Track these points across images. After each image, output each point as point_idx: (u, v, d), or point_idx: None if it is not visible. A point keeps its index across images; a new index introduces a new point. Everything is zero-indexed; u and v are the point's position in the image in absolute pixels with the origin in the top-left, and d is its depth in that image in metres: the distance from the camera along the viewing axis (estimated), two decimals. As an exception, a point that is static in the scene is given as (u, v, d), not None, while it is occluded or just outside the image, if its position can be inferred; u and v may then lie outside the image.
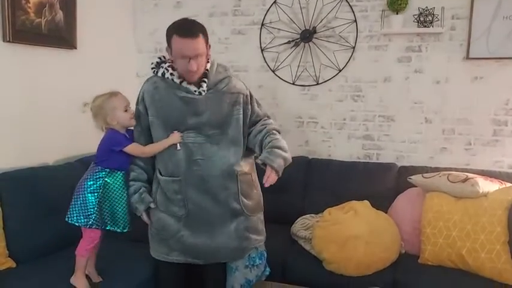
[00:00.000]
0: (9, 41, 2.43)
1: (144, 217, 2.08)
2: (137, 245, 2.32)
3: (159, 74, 1.99)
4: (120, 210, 2.11)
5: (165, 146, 2.00)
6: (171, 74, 1.96)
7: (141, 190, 2.06)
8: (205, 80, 1.96)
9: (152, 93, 2.00)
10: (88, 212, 2.03)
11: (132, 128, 2.11)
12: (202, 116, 1.97)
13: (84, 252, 2.07)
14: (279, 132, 2.07)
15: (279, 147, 1.94)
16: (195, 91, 1.95)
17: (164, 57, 2.03)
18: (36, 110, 2.65)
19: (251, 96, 2.11)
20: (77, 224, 2.05)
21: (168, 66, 1.98)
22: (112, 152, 2.06)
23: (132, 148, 2.06)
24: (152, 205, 2.05)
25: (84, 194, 2.05)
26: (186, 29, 1.85)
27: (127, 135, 2.10)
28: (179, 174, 1.99)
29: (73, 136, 2.90)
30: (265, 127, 2.06)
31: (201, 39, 1.85)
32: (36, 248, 2.32)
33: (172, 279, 2.20)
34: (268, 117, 2.16)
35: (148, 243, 2.16)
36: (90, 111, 2.08)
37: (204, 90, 1.95)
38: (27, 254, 2.28)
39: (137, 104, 2.07)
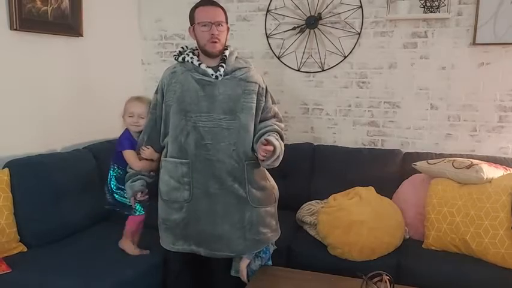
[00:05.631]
0: (15, 29, 2.44)
1: (132, 201, 2.19)
2: (149, 231, 2.33)
3: (180, 59, 2.07)
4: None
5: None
6: (191, 57, 2.04)
7: (135, 178, 2.16)
8: (223, 65, 2.01)
9: (170, 77, 2.07)
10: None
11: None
12: (216, 100, 2.00)
13: (132, 224, 2.31)
14: (282, 139, 2.13)
15: (282, 143, 2.07)
16: (212, 75, 2.00)
17: (187, 46, 2.12)
18: (43, 98, 2.67)
19: (267, 90, 2.14)
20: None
21: (189, 52, 2.07)
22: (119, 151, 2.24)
23: (128, 154, 2.20)
24: (139, 195, 2.15)
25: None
26: (208, 1, 2.04)
27: (136, 140, 2.23)
28: (188, 157, 2.01)
29: (80, 123, 2.93)
30: (273, 127, 2.11)
31: (221, 12, 2.02)
32: (46, 233, 2.37)
33: (179, 268, 2.22)
34: (280, 120, 2.19)
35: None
36: None
37: (220, 75, 2.00)
38: (38, 238, 2.33)
39: (156, 92, 2.13)
